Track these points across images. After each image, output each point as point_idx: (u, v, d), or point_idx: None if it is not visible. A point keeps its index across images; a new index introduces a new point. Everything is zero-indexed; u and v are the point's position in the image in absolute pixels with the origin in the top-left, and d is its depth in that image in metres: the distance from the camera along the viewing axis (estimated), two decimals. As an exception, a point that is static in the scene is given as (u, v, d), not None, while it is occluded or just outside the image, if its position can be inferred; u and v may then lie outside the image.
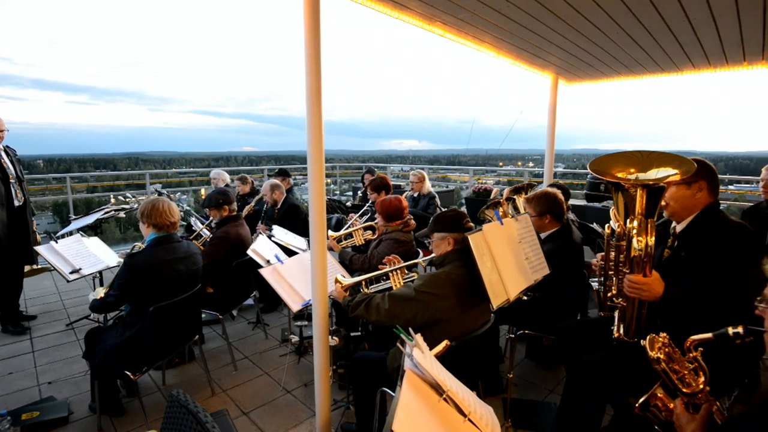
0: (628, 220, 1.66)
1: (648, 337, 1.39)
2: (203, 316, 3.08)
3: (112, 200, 5.35)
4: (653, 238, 1.64)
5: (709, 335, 1.29)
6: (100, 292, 2.68)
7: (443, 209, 4.96)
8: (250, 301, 4.04)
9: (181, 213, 4.91)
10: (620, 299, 1.81)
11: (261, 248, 3.09)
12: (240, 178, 5.46)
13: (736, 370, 1.58)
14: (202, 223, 3.98)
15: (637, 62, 3.39)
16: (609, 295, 1.88)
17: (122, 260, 2.63)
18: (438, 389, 1.21)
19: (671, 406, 1.39)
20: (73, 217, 4.74)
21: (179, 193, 7.90)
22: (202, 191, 7.12)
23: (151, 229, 2.49)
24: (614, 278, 1.83)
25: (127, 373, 2.35)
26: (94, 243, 3.65)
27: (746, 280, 1.61)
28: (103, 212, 4.46)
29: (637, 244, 1.64)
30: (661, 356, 1.35)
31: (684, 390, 1.31)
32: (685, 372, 1.33)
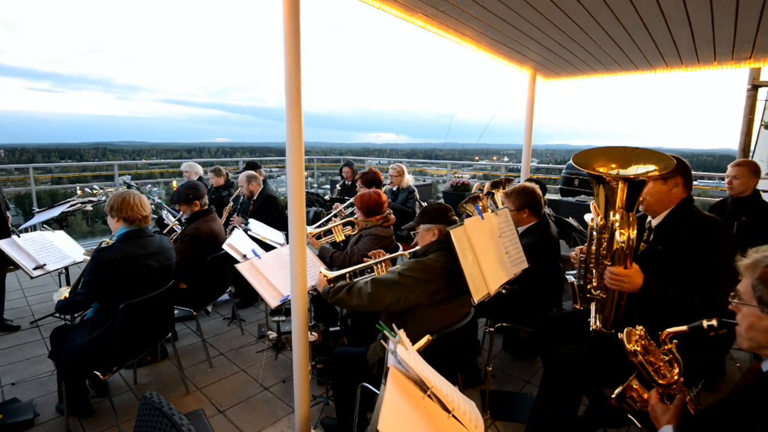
0: (611, 213, 1.69)
1: (625, 330, 1.43)
2: (176, 312, 2.99)
3: (79, 192, 5.14)
4: (635, 231, 1.68)
5: (684, 328, 1.32)
6: (64, 292, 2.57)
7: (422, 203, 4.97)
8: (225, 297, 3.95)
9: (152, 206, 4.76)
10: (599, 291, 1.85)
11: (237, 243, 3.01)
12: (214, 170, 5.31)
13: (707, 362, 1.64)
14: (175, 217, 3.86)
15: (613, 60, 3.45)
16: (589, 287, 1.91)
17: (89, 256, 2.52)
18: (422, 386, 1.20)
19: (646, 396, 1.43)
20: (37, 209, 4.53)
21: (149, 185, 7.65)
22: (174, 183, 6.91)
23: (121, 224, 2.39)
24: (594, 270, 1.86)
25: (97, 373, 2.26)
26: (60, 237, 3.49)
27: (721, 273, 1.66)
28: (68, 205, 4.27)
29: (620, 236, 1.68)
30: (638, 348, 1.38)
31: (659, 381, 1.35)
32: (661, 364, 1.37)
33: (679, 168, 1.83)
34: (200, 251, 3.19)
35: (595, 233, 1.82)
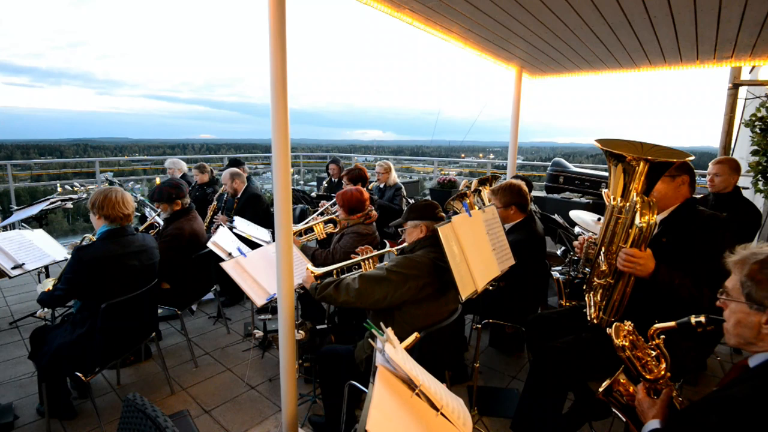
0: (634, 194, 1.71)
1: (614, 326, 1.44)
2: (160, 311, 2.94)
3: (59, 189, 5.02)
4: (654, 216, 1.70)
5: (672, 323, 1.34)
6: (48, 284, 2.51)
7: (409, 200, 4.97)
8: (210, 295, 3.89)
9: (135, 204, 4.66)
10: (607, 277, 1.86)
11: (222, 241, 2.97)
12: (198, 166, 5.22)
13: (694, 357, 1.66)
14: (157, 214, 3.79)
15: (597, 58, 3.49)
16: (595, 273, 1.92)
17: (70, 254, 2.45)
18: (410, 384, 1.19)
19: (632, 390, 1.44)
20: (15, 207, 4.41)
21: (132, 182, 7.50)
22: (157, 180, 6.80)
23: (103, 221, 2.32)
24: (604, 255, 1.87)
25: (78, 374, 2.21)
26: (39, 236, 3.39)
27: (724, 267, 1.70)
28: (48, 202, 4.16)
29: (640, 219, 1.69)
30: (626, 344, 1.40)
31: (647, 376, 1.36)
32: (648, 359, 1.39)
33: (687, 167, 1.91)
34: (183, 251, 3.13)
35: (613, 214, 1.82)
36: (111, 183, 6.28)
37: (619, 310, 1.86)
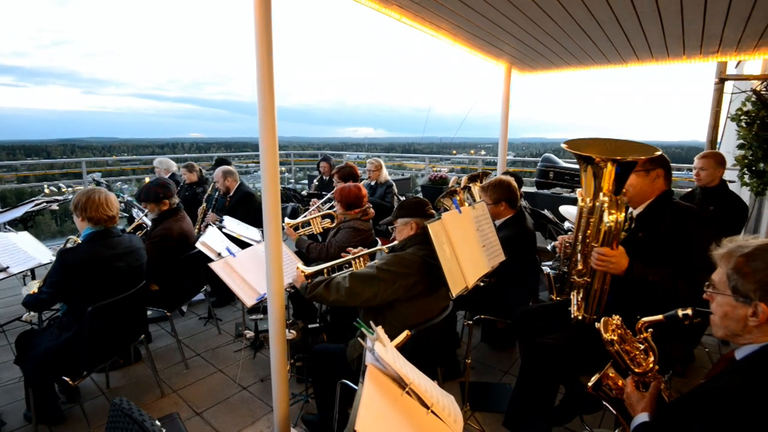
0: (600, 194, 1.72)
1: (602, 320, 1.45)
2: (149, 313, 2.90)
3: (46, 190, 4.94)
4: (623, 214, 1.71)
5: (659, 317, 1.35)
6: (33, 286, 2.46)
7: (401, 197, 4.96)
8: (200, 296, 3.86)
9: (122, 204, 4.59)
10: (584, 277, 1.87)
11: (211, 241, 2.93)
12: (186, 166, 5.16)
13: (681, 349, 1.68)
14: (146, 215, 3.74)
15: (586, 53, 3.50)
16: (573, 272, 1.93)
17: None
18: (400, 383, 1.19)
19: (621, 384, 1.45)
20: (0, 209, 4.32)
21: (119, 183, 7.41)
22: (147, 180, 6.72)
23: (87, 224, 2.28)
24: (580, 255, 1.89)
25: (66, 378, 2.18)
26: (24, 238, 3.33)
27: (700, 259, 1.71)
28: (33, 204, 4.09)
29: (608, 217, 1.70)
30: (615, 338, 1.40)
31: (635, 370, 1.37)
32: (637, 352, 1.39)
33: (661, 161, 1.91)
34: (171, 252, 3.09)
35: (584, 215, 1.84)
36: (98, 183, 6.19)
37: (599, 307, 1.87)
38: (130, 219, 4.64)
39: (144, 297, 2.60)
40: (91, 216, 2.26)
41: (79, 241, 2.32)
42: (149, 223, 3.37)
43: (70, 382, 2.18)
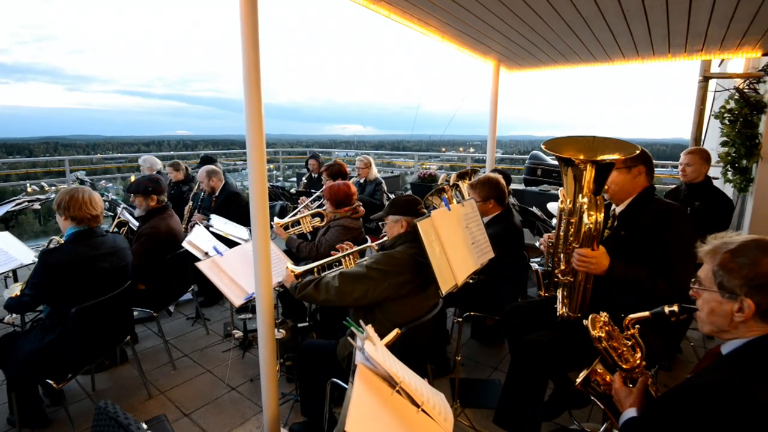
0: (579, 196, 1.73)
1: (590, 317, 1.46)
2: (135, 314, 2.85)
3: (29, 189, 4.84)
4: (602, 214, 1.72)
5: (646, 314, 1.36)
6: (16, 289, 2.41)
7: (390, 195, 4.95)
8: (188, 296, 3.81)
9: (107, 203, 4.51)
10: (567, 276, 1.89)
11: (198, 240, 2.89)
12: (172, 164, 5.08)
13: (666, 345, 1.70)
14: (131, 214, 3.67)
15: (573, 51, 3.52)
16: (556, 271, 1.95)
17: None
18: (391, 381, 1.18)
19: (609, 380, 1.46)
20: (-23, 210, 4.21)
21: (104, 181, 7.29)
22: (132, 178, 6.62)
23: (70, 223, 2.23)
24: (562, 255, 1.90)
25: (50, 381, 2.13)
26: (4, 238, 3.25)
27: (681, 256, 1.73)
28: (14, 203, 3.99)
29: (588, 218, 1.71)
30: (602, 335, 1.42)
31: (623, 366, 1.39)
32: (624, 349, 1.41)
33: (643, 158, 1.90)
34: (159, 251, 3.04)
35: (564, 216, 1.86)
36: (82, 182, 6.08)
37: (584, 305, 1.89)
38: (115, 219, 4.57)
39: (130, 297, 2.55)
40: (74, 215, 2.21)
41: (62, 242, 2.26)
42: (135, 222, 3.32)
43: (54, 385, 2.14)
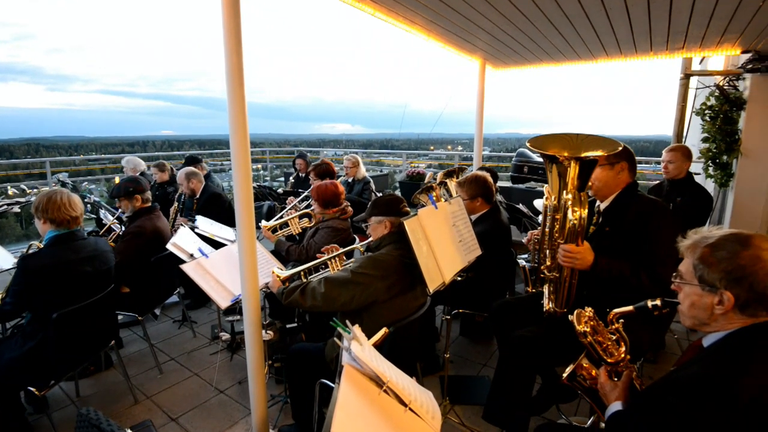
0: (563, 193, 1.74)
1: (575, 312, 1.47)
2: (120, 318, 2.81)
3: (10, 192, 4.73)
4: (586, 210, 1.74)
5: (630, 308, 1.38)
6: (-5, 297, 2.34)
7: (378, 194, 4.94)
8: (174, 298, 3.76)
9: (88, 205, 4.43)
10: (553, 272, 1.91)
11: (182, 241, 2.85)
12: (157, 165, 5.01)
13: (650, 338, 1.73)
14: (113, 215, 3.60)
15: (557, 49, 3.55)
16: (542, 267, 1.96)
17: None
18: (378, 381, 1.18)
19: (594, 374, 1.48)
20: (-46, 214, 4.10)
21: (86, 183, 7.16)
22: (117, 179, 6.51)
23: (49, 226, 2.18)
24: (548, 251, 1.92)
25: (32, 389, 2.09)
26: (-18, 243, 3.18)
27: (664, 251, 1.76)
28: (-8, 207, 3.90)
29: (572, 215, 1.73)
30: (587, 330, 1.43)
31: (608, 360, 1.40)
32: (609, 343, 1.42)
33: (625, 154, 1.93)
34: (144, 251, 2.99)
35: (549, 213, 1.87)
36: (64, 184, 5.96)
37: (569, 300, 1.91)
38: (98, 221, 4.48)
39: (114, 301, 2.51)
40: (53, 217, 2.16)
41: (42, 246, 2.21)
42: (119, 225, 3.26)
43: (37, 393, 2.09)
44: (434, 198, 2.49)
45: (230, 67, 1.77)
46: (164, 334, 3.54)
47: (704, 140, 3.96)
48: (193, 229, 3.20)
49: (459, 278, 2.54)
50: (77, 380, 2.77)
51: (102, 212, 4.12)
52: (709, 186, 4.23)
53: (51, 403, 2.60)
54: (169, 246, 2.82)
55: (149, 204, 3.17)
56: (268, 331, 2.46)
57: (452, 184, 3.50)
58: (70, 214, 2.19)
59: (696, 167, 4.02)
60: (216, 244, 3.03)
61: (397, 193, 4.75)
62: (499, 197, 3.61)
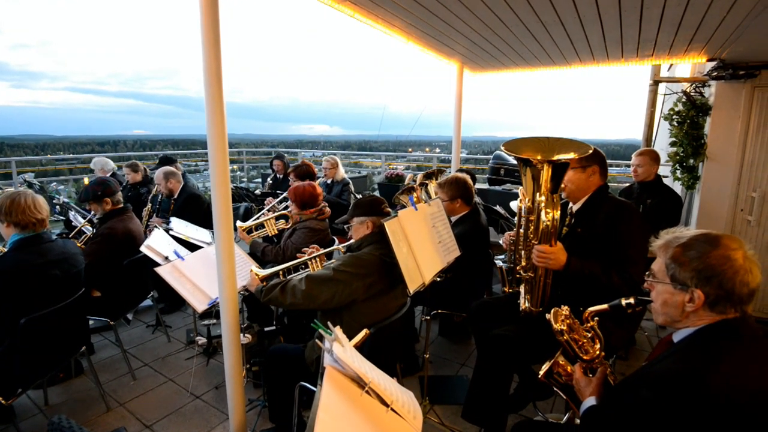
0: (537, 195, 1.79)
1: (552, 311, 1.50)
2: (91, 323, 2.71)
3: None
4: (559, 212, 1.79)
5: (604, 306, 1.42)
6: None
7: (357, 195, 4.94)
8: (148, 302, 3.66)
9: (57, 207, 4.27)
10: (528, 272, 1.95)
11: (157, 244, 2.78)
12: (130, 165, 4.87)
13: (623, 336, 1.78)
14: (84, 218, 3.48)
15: (533, 55, 3.62)
16: (518, 268, 2.01)
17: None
18: (360, 382, 1.18)
19: (570, 370, 1.52)
20: None
21: (54, 184, 6.90)
22: (86, 180, 6.29)
23: (13, 229, 2.09)
24: (523, 252, 1.96)
25: (-3, 398, 2.00)
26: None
27: (634, 251, 1.82)
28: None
29: (545, 216, 1.78)
30: (564, 328, 1.47)
31: (583, 357, 1.44)
32: (584, 340, 1.46)
33: (596, 157, 1.99)
34: (115, 253, 2.90)
35: (523, 214, 1.92)
36: (30, 185, 5.73)
37: (544, 299, 1.96)
38: (67, 222, 4.33)
39: (84, 305, 2.43)
40: (17, 220, 2.07)
41: (5, 250, 2.12)
42: (89, 227, 3.16)
43: (3, 402, 2.00)
44: (414, 200, 2.50)
45: (208, 65, 1.74)
46: (137, 339, 3.44)
47: (672, 144, 4.11)
48: (168, 231, 3.12)
49: (438, 279, 2.57)
50: (46, 388, 2.67)
51: (72, 213, 3.98)
52: (677, 188, 4.39)
53: (18, 413, 2.48)
54: (143, 248, 2.75)
55: (120, 205, 3.08)
56: (246, 335, 2.42)
57: (432, 185, 3.53)
58: (36, 216, 2.11)
59: (664, 170, 4.16)
60: (191, 247, 2.97)
61: (377, 194, 4.76)
62: (477, 199, 3.66)
